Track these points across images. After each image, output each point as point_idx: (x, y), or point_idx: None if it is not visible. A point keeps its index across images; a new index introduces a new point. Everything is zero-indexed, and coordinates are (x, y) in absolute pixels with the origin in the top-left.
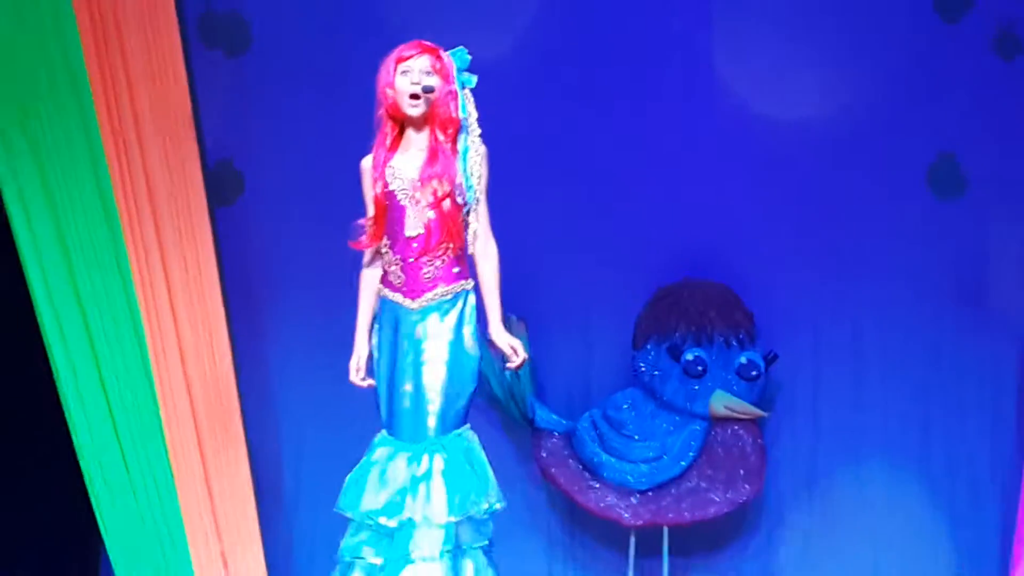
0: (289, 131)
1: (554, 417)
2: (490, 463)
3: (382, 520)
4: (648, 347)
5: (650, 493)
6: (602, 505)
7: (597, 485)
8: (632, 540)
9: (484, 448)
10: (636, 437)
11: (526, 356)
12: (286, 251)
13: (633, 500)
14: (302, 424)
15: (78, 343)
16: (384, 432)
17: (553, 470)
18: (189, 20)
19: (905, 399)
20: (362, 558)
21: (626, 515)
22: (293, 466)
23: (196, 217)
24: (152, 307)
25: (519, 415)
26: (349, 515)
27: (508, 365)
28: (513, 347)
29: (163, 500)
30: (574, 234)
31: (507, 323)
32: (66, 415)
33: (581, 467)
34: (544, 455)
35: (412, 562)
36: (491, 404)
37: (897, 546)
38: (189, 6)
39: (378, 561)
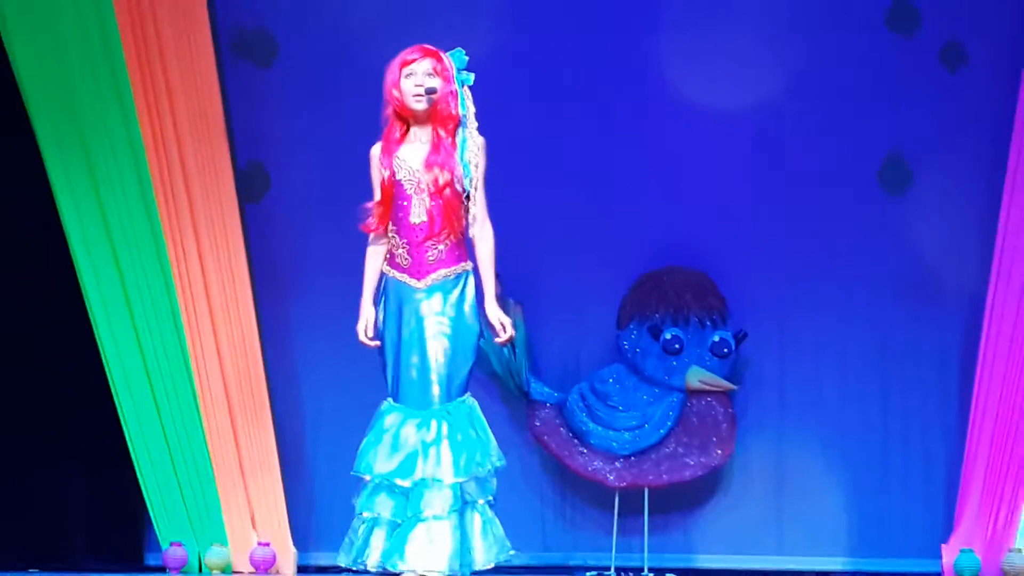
0: (312, 134)
1: (547, 390)
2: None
3: (397, 481)
4: (631, 327)
5: (632, 458)
6: (590, 469)
7: (585, 451)
8: (616, 500)
9: (485, 417)
10: (620, 408)
11: (513, 333)
12: (308, 243)
13: (617, 464)
14: (322, 400)
15: (122, 327)
16: (390, 400)
17: (546, 437)
18: (221, 35)
19: (860, 375)
20: (378, 515)
21: (611, 477)
22: (313, 439)
23: (228, 213)
24: (188, 293)
25: (516, 388)
26: (366, 477)
27: (496, 339)
28: (503, 323)
29: (199, 469)
30: (566, 227)
31: (505, 305)
32: (112, 393)
33: (571, 435)
34: (538, 424)
35: (425, 519)
36: (491, 378)
37: (855, 506)
38: (221, 22)
39: (391, 517)
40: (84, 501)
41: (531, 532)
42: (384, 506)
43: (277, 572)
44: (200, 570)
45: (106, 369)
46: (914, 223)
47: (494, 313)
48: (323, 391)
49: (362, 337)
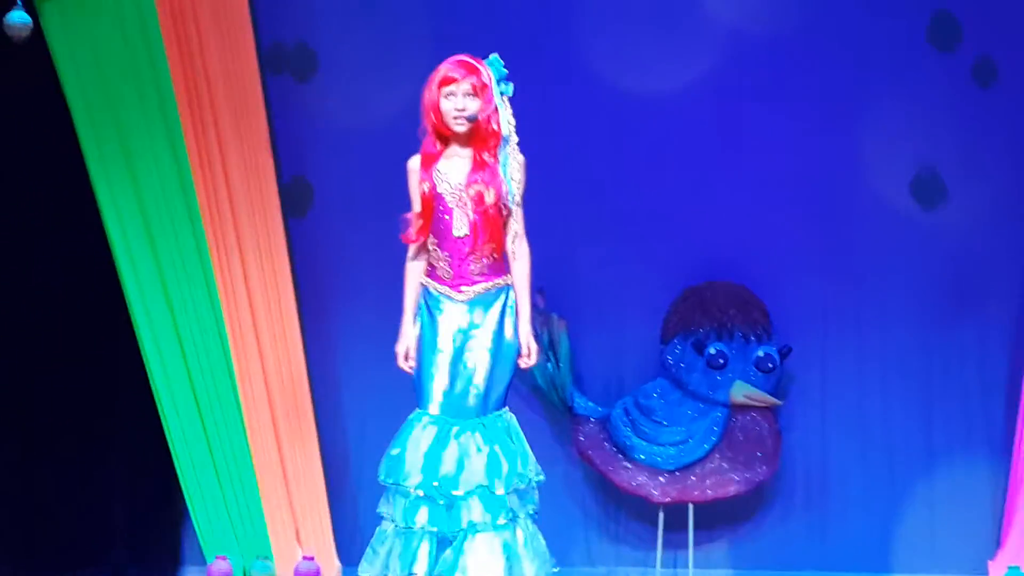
0: (354, 148)
1: (591, 404)
2: (531, 444)
3: (439, 492)
4: (675, 342)
5: (677, 473)
6: (634, 484)
7: (629, 466)
8: (660, 515)
9: (528, 431)
10: (664, 423)
11: (536, 361)
12: (352, 257)
13: (661, 479)
14: (366, 413)
15: (167, 340)
16: (419, 409)
17: (590, 452)
18: (263, 49)
19: (903, 389)
20: (420, 526)
21: (655, 493)
22: (358, 452)
23: (272, 227)
24: (233, 307)
25: (559, 403)
26: (403, 486)
27: (519, 361)
28: (530, 347)
29: (244, 483)
30: (610, 242)
31: (549, 321)
32: (157, 405)
33: (615, 449)
34: (582, 439)
35: (475, 532)
36: (534, 393)
37: (901, 520)
38: (263, 37)
39: (436, 529)
40: (126, 512)
41: (575, 546)
42: (425, 517)
43: None
44: None
45: (151, 382)
46: (952, 236)
47: (525, 335)
48: (367, 404)
49: (401, 362)
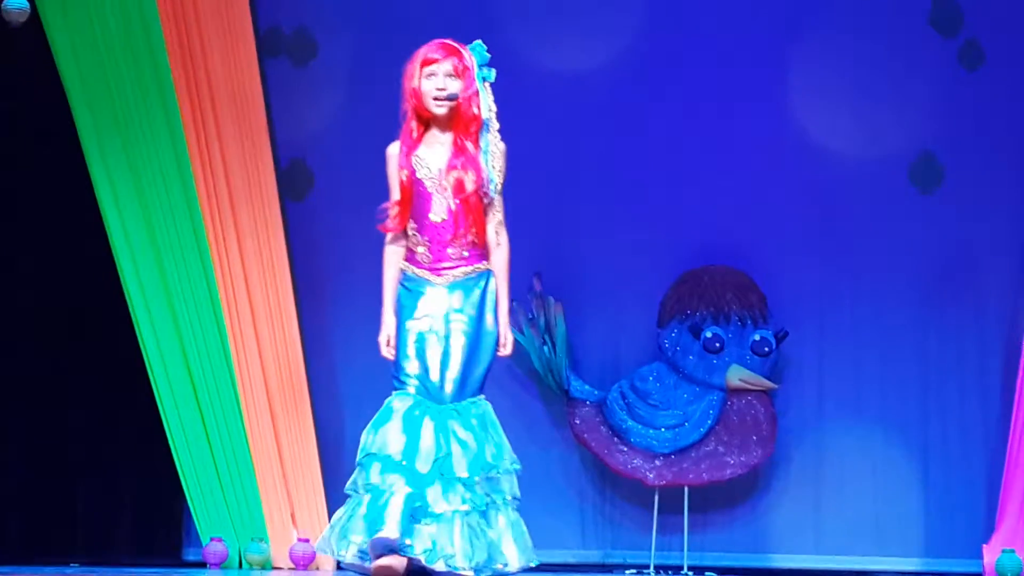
0: (354, 133)
1: (587, 388)
2: (528, 428)
3: (410, 463)
4: (671, 325)
5: (672, 456)
6: (629, 467)
7: (625, 449)
8: (656, 498)
9: (524, 415)
10: (660, 406)
11: (510, 352)
12: (349, 242)
13: (657, 462)
14: (362, 397)
15: (164, 324)
16: (396, 392)
17: (586, 435)
18: (262, 34)
19: (900, 374)
20: (391, 486)
21: (651, 476)
22: (353, 435)
23: (269, 211)
24: (230, 291)
25: (556, 386)
26: (380, 455)
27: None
28: (506, 337)
29: (240, 466)
30: (607, 226)
31: (546, 304)
32: (154, 391)
33: (611, 433)
34: (578, 422)
35: (438, 516)
36: (531, 377)
37: (896, 504)
38: (262, 22)
39: (409, 490)
40: (126, 496)
41: (570, 529)
42: (399, 480)
43: (317, 568)
44: (240, 566)
45: (148, 367)
46: (948, 221)
47: (503, 325)
48: (363, 388)
49: (384, 351)
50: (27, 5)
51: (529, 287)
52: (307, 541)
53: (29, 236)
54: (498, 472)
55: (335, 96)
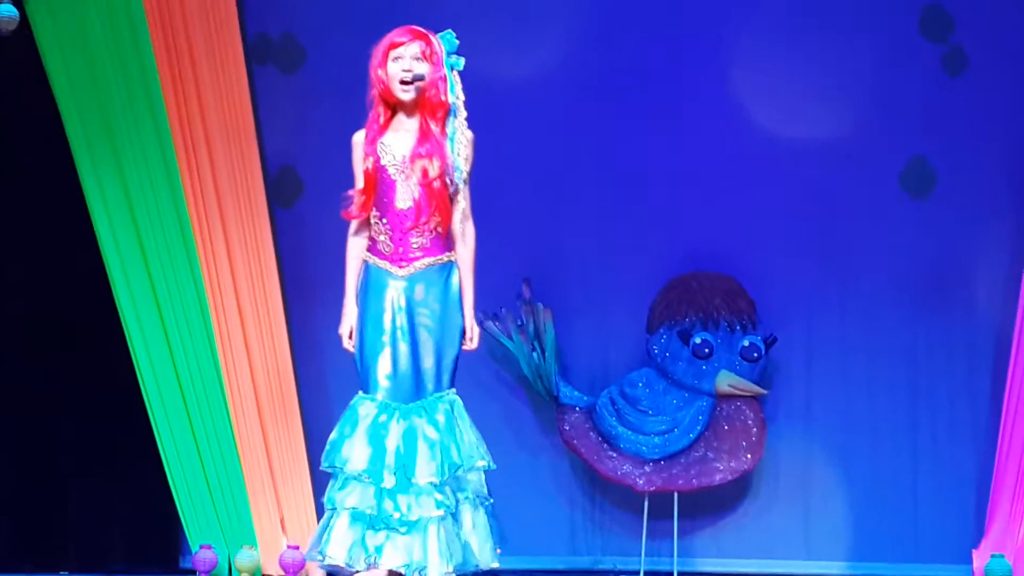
0: (343, 139)
1: (576, 394)
2: (517, 434)
3: (372, 478)
4: (661, 331)
5: (662, 462)
6: (619, 473)
7: (614, 455)
8: (646, 504)
9: (513, 421)
10: (650, 412)
11: (476, 346)
12: (339, 248)
13: (647, 468)
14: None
15: (153, 331)
16: (361, 393)
17: (575, 441)
18: (250, 41)
19: (889, 379)
20: (352, 507)
21: (640, 482)
22: None
23: (258, 217)
24: (219, 298)
25: (545, 392)
26: (346, 470)
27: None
28: (472, 330)
29: (230, 473)
30: (596, 232)
31: (535, 310)
32: (143, 397)
33: (600, 439)
34: (567, 428)
35: (408, 522)
36: (520, 383)
37: (885, 509)
38: (250, 28)
39: (368, 511)
40: (118, 505)
41: (560, 535)
42: (358, 499)
43: (306, 575)
44: (230, 573)
45: (137, 373)
46: (939, 226)
47: (469, 318)
48: (352, 394)
49: (346, 343)
50: (16, 13)
51: (518, 293)
52: (297, 548)
53: (19, 244)
54: (464, 470)
55: (324, 103)
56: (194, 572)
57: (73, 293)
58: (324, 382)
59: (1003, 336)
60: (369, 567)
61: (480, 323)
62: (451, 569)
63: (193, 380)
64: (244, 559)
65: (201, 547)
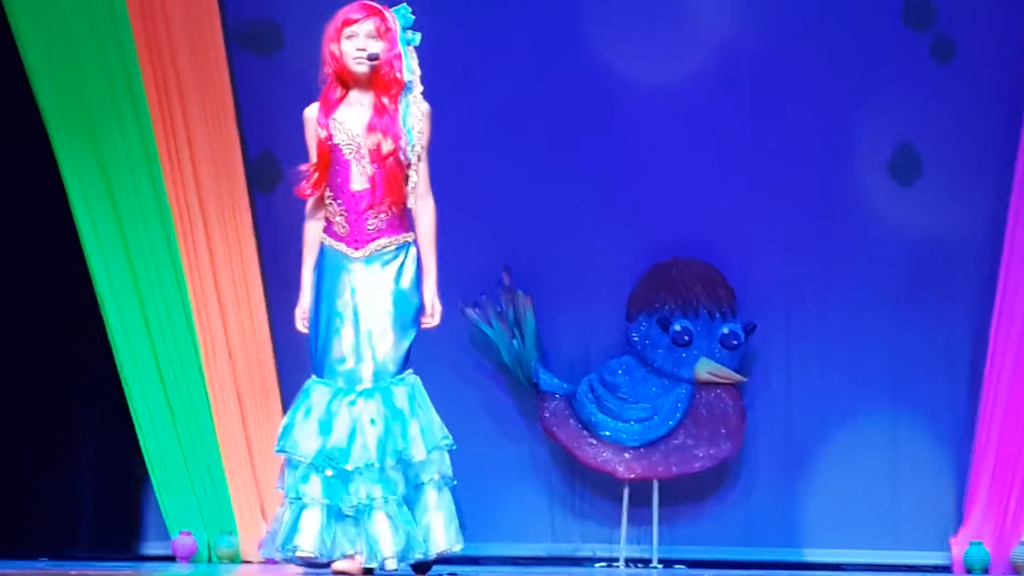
0: None
1: (556, 381)
2: (497, 421)
3: (330, 464)
4: (640, 319)
5: (642, 449)
6: (599, 460)
7: (594, 442)
8: (625, 491)
9: (493, 408)
10: (629, 399)
11: (438, 322)
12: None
13: (626, 456)
14: None
15: (132, 316)
16: (315, 377)
17: (555, 429)
18: (229, 26)
19: (868, 366)
20: (311, 498)
21: (620, 469)
22: None
23: (238, 202)
24: (198, 283)
25: (525, 380)
26: (297, 457)
27: (422, 321)
28: (434, 307)
29: (209, 458)
30: (576, 219)
31: (515, 297)
32: (122, 380)
33: (580, 426)
34: (547, 415)
35: (363, 508)
36: (500, 370)
37: (865, 496)
38: (228, 13)
39: (325, 501)
40: (90, 490)
41: (540, 523)
42: (317, 489)
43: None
44: (209, 559)
45: (116, 358)
46: (923, 214)
47: (430, 295)
48: None
49: (299, 324)
50: None
51: (498, 280)
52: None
53: None
54: (422, 455)
55: (304, 88)
56: (172, 558)
57: (52, 277)
58: (304, 366)
59: (982, 325)
60: (344, 556)
61: (460, 310)
62: (391, 555)
63: (172, 366)
64: (224, 545)
65: (181, 533)
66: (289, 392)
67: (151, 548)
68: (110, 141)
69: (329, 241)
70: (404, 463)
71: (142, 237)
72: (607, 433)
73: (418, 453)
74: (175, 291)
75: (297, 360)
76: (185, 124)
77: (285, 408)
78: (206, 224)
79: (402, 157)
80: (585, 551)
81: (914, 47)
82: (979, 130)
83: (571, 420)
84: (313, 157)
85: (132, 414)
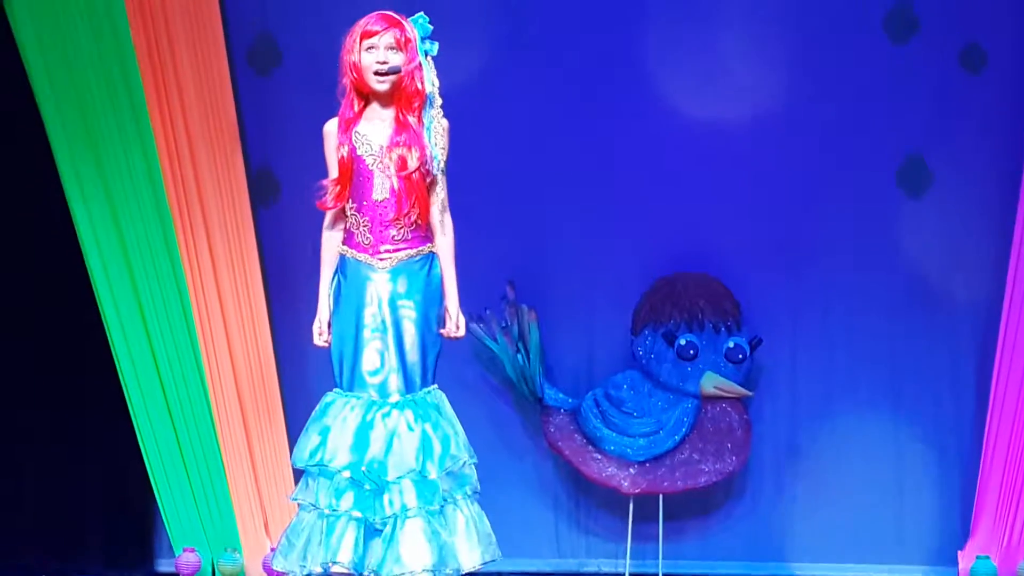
0: (319, 141)
1: (561, 396)
2: (502, 436)
3: (366, 476)
4: (645, 333)
5: (647, 464)
6: (604, 475)
7: (599, 457)
8: (631, 506)
9: (498, 423)
10: (634, 414)
11: (462, 335)
12: (319, 246)
13: (632, 470)
14: None
15: (135, 332)
16: (338, 389)
17: (560, 443)
18: (231, 41)
19: (874, 380)
20: (346, 512)
21: (625, 484)
22: None
23: (241, 217)
24: (201, 298)
25: (530, 394)
26: (331, 468)
27: (441, 332)
28: (458, 323)
29: (212, 475)
30: (581, 233)
31: (519, 312)
32: (125, 398)
33: (585, 441)
34: (552, 430)
35: (397, 519)
36: (504, 384)
37: (870, 510)
38: (232, 29)
39: (359, 514)
40: (96, 507)
41: (545, 538)
42: (351, 501)
43: None
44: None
45: (119, 374)
46: (931, 227)
47: (454, 307)
48: None
49: (316, 339)
50: None
51: (502, 295)
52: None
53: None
54: (458, 466)
55: (302, 105)
56: (176, 575)
57: (56, 290)
58: (308, 382)
59: (989, 339)
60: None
61: (465, 324)
62: (420, 569)
63: (176, 381)
64: (227, 562)
65: (184, 550)
66: (292, 407)
67: (161, 566)
68: (112, 156)
69: (351, 252)
70: (448, 474)
71: (145, 251)
72: (612, 448)
73: (452, 466)
74: (177, 305)
75: (300, 375)
76: (188, 140)
77: (289, 423)
78: (209, 238)
79: (426, 172)
80: (590, 566)
81: (929, 55)
82: (987, 142)
83: (576, 435)
84: (334, 171)
85: (135, 430)
